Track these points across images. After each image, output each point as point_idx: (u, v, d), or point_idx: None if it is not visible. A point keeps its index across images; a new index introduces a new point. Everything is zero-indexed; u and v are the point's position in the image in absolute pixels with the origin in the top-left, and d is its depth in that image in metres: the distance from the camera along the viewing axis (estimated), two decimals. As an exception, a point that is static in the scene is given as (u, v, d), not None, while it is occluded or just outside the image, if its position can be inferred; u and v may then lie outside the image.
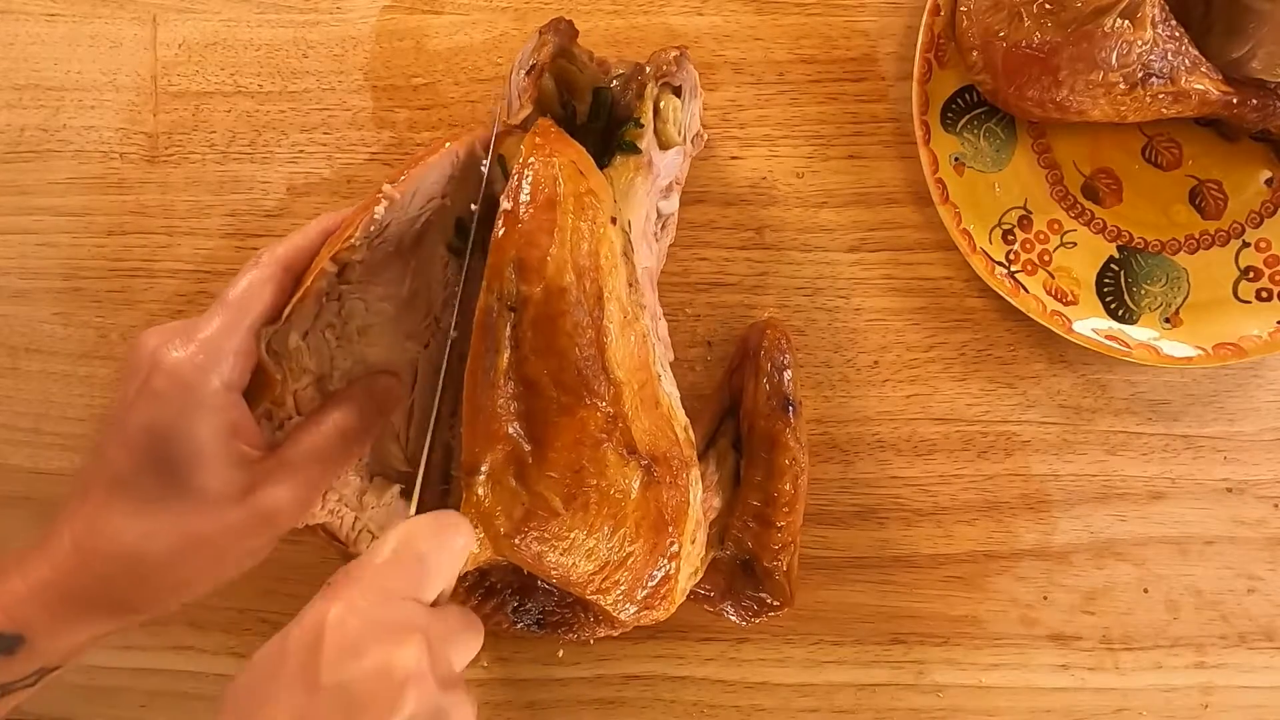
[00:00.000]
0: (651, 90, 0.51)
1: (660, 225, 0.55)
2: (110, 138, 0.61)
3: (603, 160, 0.50)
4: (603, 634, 0.53)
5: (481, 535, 0.45)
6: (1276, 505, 0.58)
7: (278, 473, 0.45)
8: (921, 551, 0.59)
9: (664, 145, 0.52)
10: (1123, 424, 0.59)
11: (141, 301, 0.61)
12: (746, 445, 0.54)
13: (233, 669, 0.61)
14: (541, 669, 0.60)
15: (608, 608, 0.48)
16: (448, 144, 0.49)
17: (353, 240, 0.46)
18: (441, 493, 0.51)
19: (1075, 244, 0.57)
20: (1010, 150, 0.57)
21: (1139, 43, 0.49)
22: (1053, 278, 0.56)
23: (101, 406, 0.61)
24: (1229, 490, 0.58)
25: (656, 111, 0.52)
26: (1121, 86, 0.50)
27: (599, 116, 0.52)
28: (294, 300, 0.46)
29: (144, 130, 0.61)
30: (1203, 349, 0.55)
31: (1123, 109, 0.52)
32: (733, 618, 0.54)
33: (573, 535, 0.45)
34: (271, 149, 0.61)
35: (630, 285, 0.47)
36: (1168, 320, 0.56)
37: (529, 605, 0.52)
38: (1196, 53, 0.51)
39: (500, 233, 0.44)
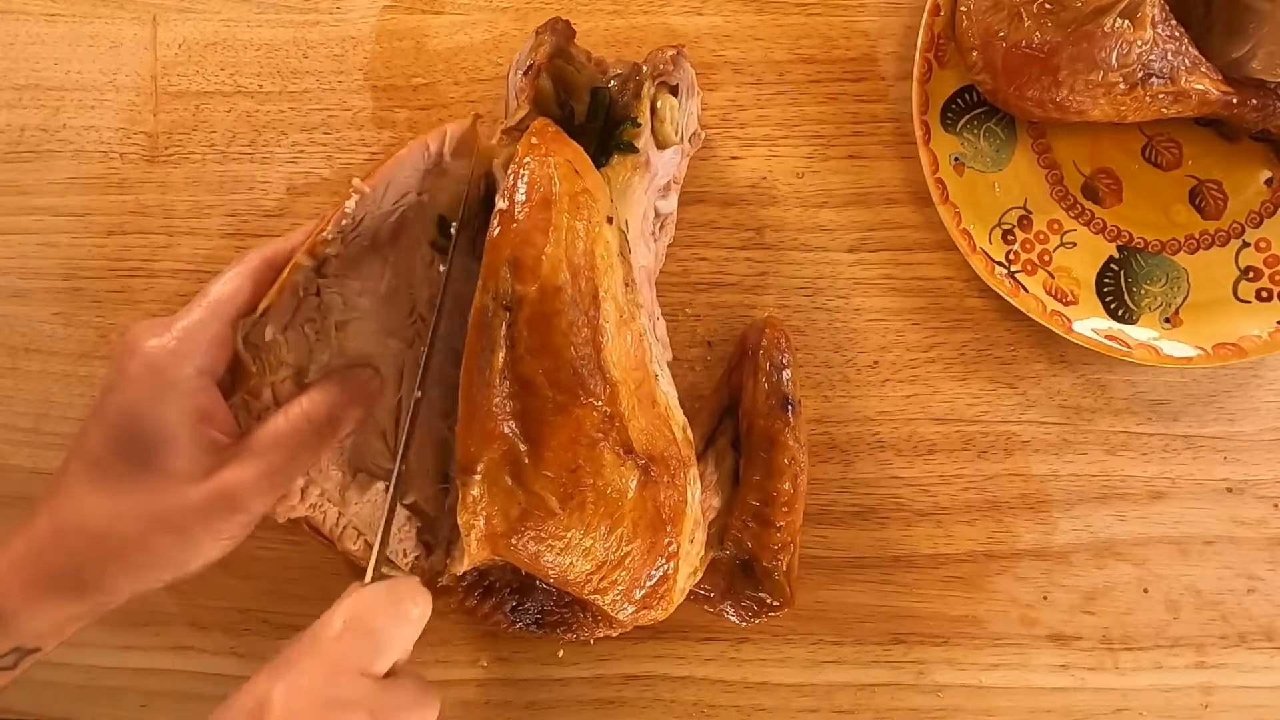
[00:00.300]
0: (648, 89, 0.51)
1: (659, 225, 0.55)
2: (110, 138, 0.61)
3: (600, 160, 0.50)
4: (602, 634, 0.53)
5: (477, 534, 0.45)
6: (1276, 505, 0.58)
7: (240, 455, 0.46)
8: (921, 551, 0.59)
9: (661, 144, 0.52)
10: (1123, 424, 0.59)
11: (141, 301, 0.61)
12: (745, 444, 0.54)
13: (233, 669, 0.61)
14: (541, 669, 0.60)
15: (606, 607, 0.48)
16: (419, 139, 0.50)
17: (325, 234, 0.47)
18: (440, 492, 0.51)
19: (1075, 244, 0.57)
20: (1010, 150, 0.57)
21: (1139, 43, 0.49)
22: (1053, 278, 0.56)
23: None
24: (1229, 490, 0.58)
25: (653, 111, 0.52)
26: (1121, 86, 0.50)
27: (597, 116, 0.52)
28: (270, 292, 0.47)
29: (144, 130, 0.61)
30: (1203, 349, 0.55)
31: (1123, 109, 0.52)
32: (732, 618, 0.54)
33: (569, 535, 0.45)
34: (271, 149, 0.61)
35: (626, 285, 0.47)
36: (1168, 320, 0.56)
37: (528, 605, 0.52)
38: (1196, 53, 0.51)
39: (496, 232, 0.44)
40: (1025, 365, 0.59)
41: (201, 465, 0.45)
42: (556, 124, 0.49)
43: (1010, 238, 0.57)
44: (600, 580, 0.47)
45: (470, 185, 0.50)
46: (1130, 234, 0.57)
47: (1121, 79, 0.50)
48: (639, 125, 0.51)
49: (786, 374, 0.53)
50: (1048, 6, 0.50)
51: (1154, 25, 0.49)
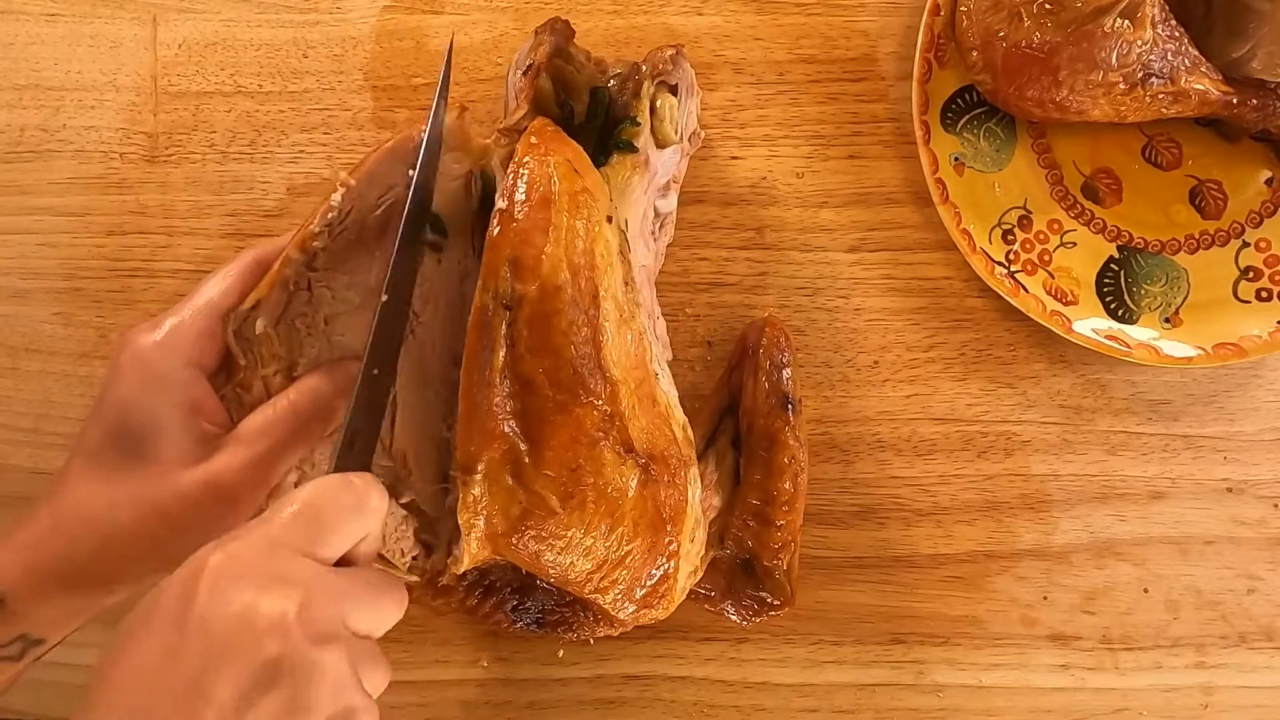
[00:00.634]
0: (648, 89, 0.51)
1: (659, 224, 0.55)
2: (110, 138, 0.61)
3: (599, 159, 0.50)
4: (602, 633, 0.53)
5: (477, 533, 0.45)
6: (1276, 505, 0.58)
7: (229, 445, 0.47)
8: (921, 551, 0.59)
9: (661, 144, 0.52)
10: (1123, 424, 0.59)
11: (141, 301, 0.61)
12: (746, 443, 0.54)
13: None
14: (541, 669, 0.60)
15: (606, 606, 0.48)
16: (404, 132, 0.50)
17: (313, 228, 0.47)
18: (439, 492, 0.51)
19: (1075, 244, 0.57)
20: (1010, 150, 0.57)
21: (1139, 43, 0.49)
22: (1053, 278, 0.56)
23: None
24: (1229, 490, 0.58)
25: (653, 110, 0.52)
26: (1121, 86, 0.50)
27: (596, 116, 0.52)
28: (260, 285, 0.48)
29: (144, 130, 0.61)
30: (1203, 349, 0.55)
31: (1123, 109, 0.52)
32: (733, 617, 0.54)
33: (570, 534, 0.45)
34: (271, 149, 0.61)
35: (626, 284, 0.47)
36: (1168, 320, 0.56)
37: (528, 604, 0.52)
38: (1196, 53, 0.51)
39: (495, 231, 0.44)
40: (1025, 365, 0.59)
41: (192, 455, 0.46)
42: (556, 124, 0.49)
43: (1010, 238, 0.57)
44: (601, 579, 0.47)
45: (467, 178, 0.50)
46: (1130, 234, 0.57)
47: (1121, 79, 0.50)
48: (638, 124, 0.51)
49: (786, 373, 0.53)
50: (1048, 6, 0.50)
51: (1154, 25, 0.49)
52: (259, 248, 0.50)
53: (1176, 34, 0.50)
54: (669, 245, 0.58)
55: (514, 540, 0.45)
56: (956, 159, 0.57)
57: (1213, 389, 0.58)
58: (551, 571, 0.46)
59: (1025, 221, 0.57)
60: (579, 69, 0.53)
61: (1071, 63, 0.50)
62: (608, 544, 0.45)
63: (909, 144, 0.58)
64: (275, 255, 0.49)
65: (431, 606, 0.57)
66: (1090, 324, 0.56)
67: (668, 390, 0.49)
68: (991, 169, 0.57)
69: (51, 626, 0.47)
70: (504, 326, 0.43)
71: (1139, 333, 0.56)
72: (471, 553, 0.45)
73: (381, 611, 0.40)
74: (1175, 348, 0.55)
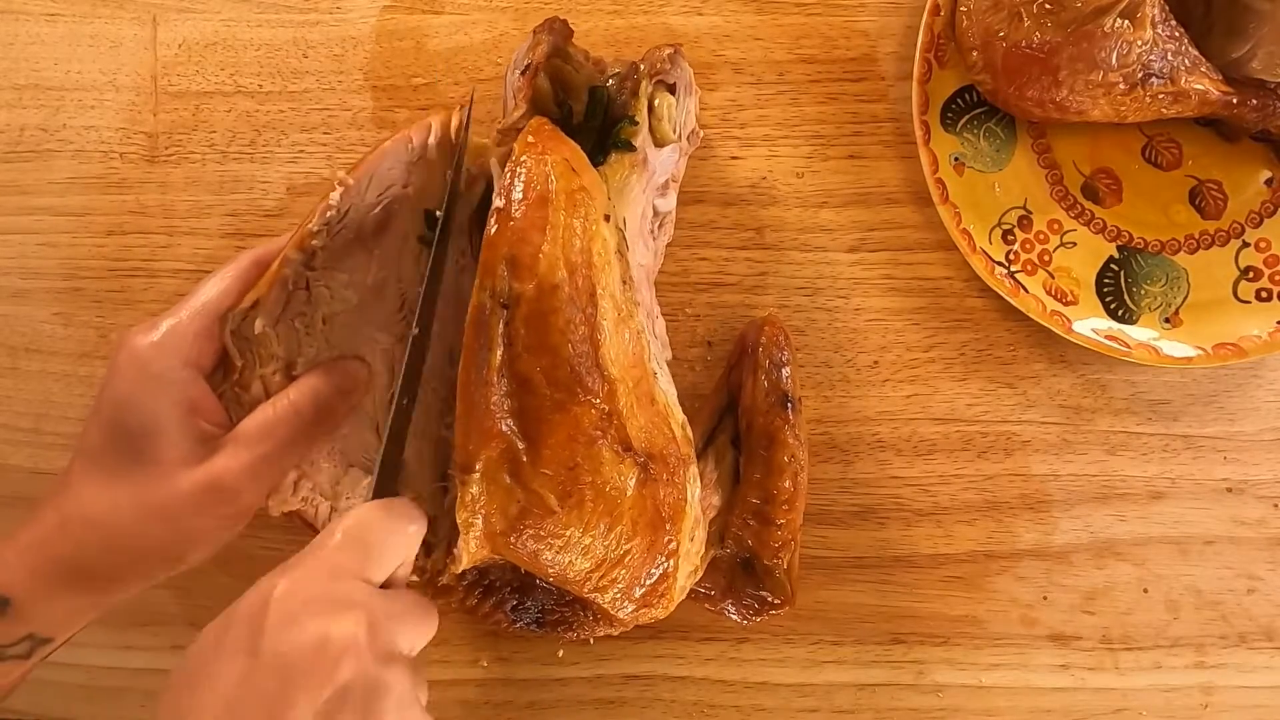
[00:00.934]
0: (646, 88, 0.51)
1: (657, 223, 0.55)
2: (110, 138, 0.61)
3: (598, 158, 0.50)
4: (602, 633, 0.53)
5: (476, 532, 0.45)
6: (1276, 505, 0.58)
7: (229, 445, 0.47)
8: (921, 551, 0.59)
9: (659, 143, 0.52)
10: (1123, 424, 0.59)
11: (141, 301, 0.61)
12: (745, 442, 0.54)
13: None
14: (541, 669, 0.60)
15: (606, 606, 0.48)
16: (402, 132, 0.50)
17: (312, 226, 0.47)
18: (439, 490, 0.51)
19: (1075, 244, 0.57)
20: (1010, 150, 0.57)
21: (1139, 43, 0.49)
22: (1053, 278, 0.56)
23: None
24: (1229, 490, 0.58)
25: (651, 109, 0.52)
26: (1121, 86, 0.50)
27: (595, 115, 0.52)
28: (259, 284, 0.48)
29: (144, 130, 0.61)
30: (1203, 349, 0.55)
31: (1123, 109, 0.52)
32: (733, 616, 0.54)
33: (568, 533, 0.45)
34: (271, 149, 0.61)
35: (624, 282, 0.47)
36: (1168, 320, 0.56)
37: (528, 604, 0.52)
38: (1196, 53, 0.51)
39: (493, 230, 0.44)
40: (1025, 365, 0.59)
41: (192, 455, 0.46)
42: (554, 123, 0.49)
43: (1010, 238, 0.57)
44: (600, 578, 0.47)
45: (454, 176, 0.50)
46: (1130, 234, 0.57)
47: (1121, 79, 0.50)
48: (636, 123, 0.51)
49: (786, 371, 0.53)
50: (1048, 6, 0.50)
51: (1154, 25, 0.49)
52: (257, 248, 0.51)
53: (1176, 34, 0.50)
54: (669, 245, 0.58)
55: (512, 539, 0.45)
56: (956, 159, 0.57)
57: (1213, 389, 0.58)
58: (550, 570, 0.46)
59: (1025, 221, 0.57)
60: (577, 69, 0.53)
61: (1071, 63, 0.50)
62: (606, 543, 0.45)
63: (909, 144, 0.58)
64: (274, 255, 0.49)
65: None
66: (1090, 324, 0.56)
67: (666, 389, 0.49)
68: (991, 169, 0.57)
69: (58, 625, 0.47)
70: (501, 325, 0.43)
71: (1139, 333, 0.56)
72: (470, 552, 0.45)
73: (423, 631, 0.42)
74: (1175, 348, 0.55)
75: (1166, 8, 0.50)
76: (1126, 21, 0.49)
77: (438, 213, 0.50)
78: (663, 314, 0.56)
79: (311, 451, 0.50)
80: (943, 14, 0.56)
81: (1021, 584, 0.59)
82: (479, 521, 0.45)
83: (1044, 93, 0.51)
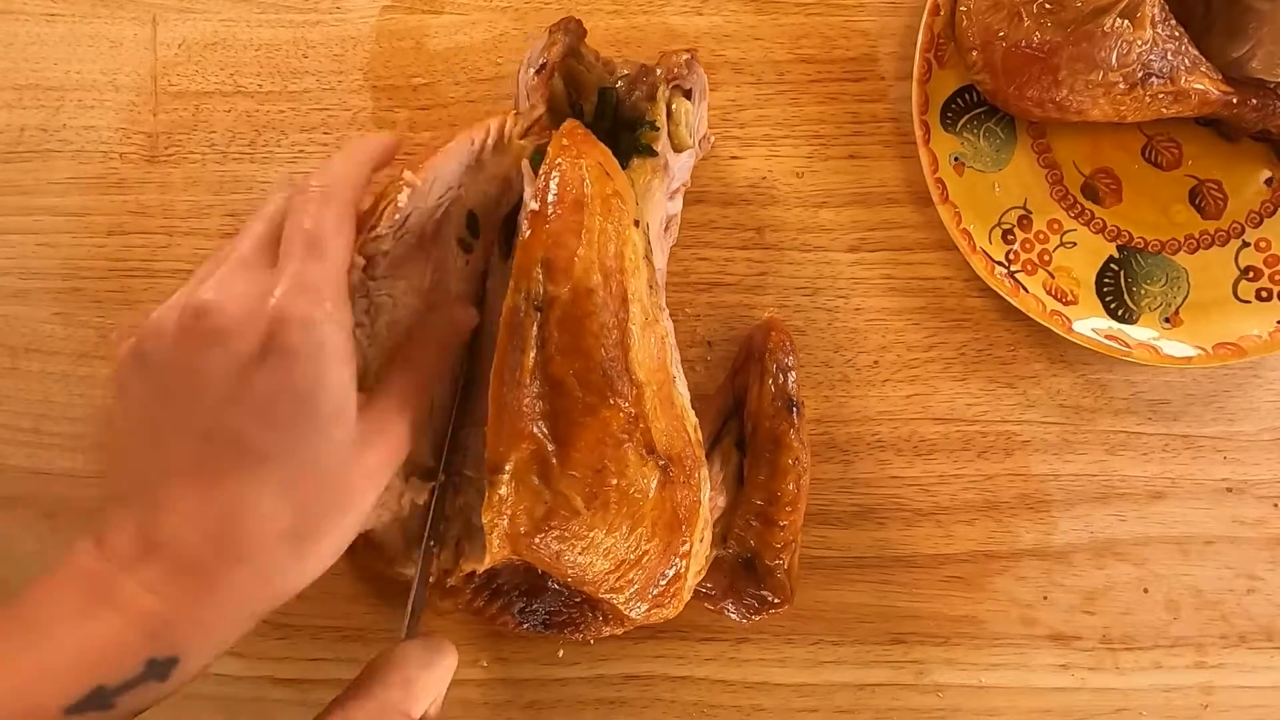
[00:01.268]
0: (664, 93, 0.51)
1: (664, 227, 0.55)
2: (110, 138, 0.61)
3: (619, 163, 0.50)
4: (608, 633, 0.53)
5: (500, 533, 0.45)
6: (1276, 505, 0.58)
7: (393, 411, 0.44)
8: (921, 551, 0.59)
9: (677, 148, 0.52)
10: (1123, 424, 0.59)
11: (141, 301, 0.61)
12: (751, 445, 0.54)
13: (233, 669, 0.61)
14: (541, 669, 0.60)
15: (619, 606, 0.49)
16: (464, 132, 0.49)
17: (378, 231, 0.46)
18: (447, 490, 0.51)
19: (1075, 244, 0.57)
20: (1010, 150, 0.57)
21: (1139, 42, 0.49)
22: (1053, 277, 0.56)
23: (102, 406, 0.61)
24: (1229, 490, 0.58)
25: (669, 114, 0.52)
26: (1121, 86, 0.50)
27: (605, 116, 0.52)
28: None
29: (144, 130, 0.61)
30: (1203, 349, 0.55)
31: (1123, 109, 0.52)
32: (733, 615, 0.54)
33: (592, 534, 0.45)
34: (271, 149, 0.61)
35: (651, 287, 0.47)
36: (1168, 320, 0.56)
37: (536, 606, 0.52)
38: (1196, 53, 0.51)
39: (528, 233, 0.44)
40: (1025, 365, 0.59)
41: (363, 429, 0.42)
42: None
43: (1010, 237, 0.57)
44: (617, 579, 0.47)
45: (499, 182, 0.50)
46: (1130, 234, 0.57)
47: (1121, 79, 0.50)
48: (657, 129, 0.51)
49: (791, 376, 0.54)
50: (1048, 6, 0.50)
51: (1154, 25, 0.49)
52: (338, 189, 0.43)
53: (1176, 34, 0.50)
54: (670, 246, 0.58)
55: (536, 540, 0.45)
56: (956, 159, 0.57)
57: (1213, 389, 0.58)
58: (570, 571, 0.46)
59: (1025, 221, 0.57)
60: (589, 69, 0.53)
61: (1071, 63, 0.50)
62: (627, 544, 0.46)
63: (909, 144, 0.58)
64: (355, 192, 0.44)
65: (437, 608, 0.57)
66: (1090, 324, 0.56)
67: (682, 392, 0.49)
68: (991, 169, 0.57)
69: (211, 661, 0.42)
70: (535, 328, 0.43)
71: (1139, 333, 0.56)
72: (492, 552, 0.45)
73: None
74: (1175, 348, 0.55)
75: (1166, 8, 0.50)
76: (1126, 21, 0.49)
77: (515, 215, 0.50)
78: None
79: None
80: (943, 14, 0.56)
81: (1021, 584, 0.59)
82: (504, 522, 0.45)
83: (1044, 93, 0.51)
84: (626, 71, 0.53)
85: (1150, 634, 0.58)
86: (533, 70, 0.51)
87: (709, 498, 0.50)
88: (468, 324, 0.50)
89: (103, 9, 0.62)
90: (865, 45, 0.59)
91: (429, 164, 0.48)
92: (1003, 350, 0.59)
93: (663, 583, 0.48)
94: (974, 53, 0.53)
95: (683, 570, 0.48)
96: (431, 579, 0.51)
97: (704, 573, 0.52)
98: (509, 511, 0.44)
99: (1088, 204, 0.57)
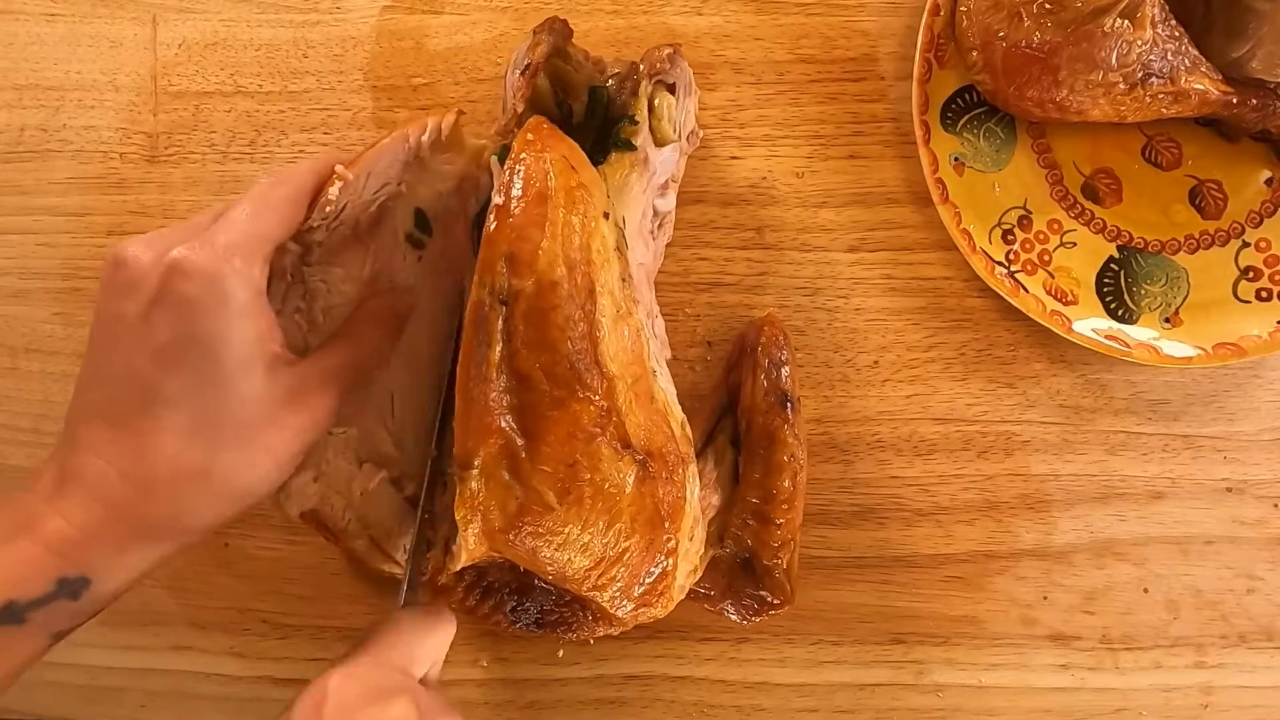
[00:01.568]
0: (645, 87, 0.51)
1: (657, 224, 0.55)
2: (110, 138, 0.61)
3: (598, 158, 0.50)
4: (602, 633, 0.53)
5: (475, 529, 0.45)
6: (1276, 505, 0.58)
7: (317, 379, 0.46)
8: (921, 551, 0.59)
9: (659, 142, 0.52)
10: (1123, 424, 0.59)
11: (141, 301, 0.61)
12: (745, 442, 0.54)
13: (233, 669, 0.61)
14: (541, 669, 0.60)
15: (605, 604, 0.48)
16: (400, 129, 0.50)
17: (311, 221, 0.47)
18: (438, 487, 0.51)
19: (1075, 244, 0.57)
20: (1010, 150, 0.57)
21: (1139, 43, 0.49)
22: (1053, 278, 0.56)
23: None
24: (1229, 490, 0.58)
25: (651, 109, 0.52)
26: (1121, 86, 0.50)
27: (595, 115, 0.52)
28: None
29: (144, 130, 0.61)
30: (1203, 349, 0.55)
31: (1123, 109, 0.52)
32: (733, 616, 0.54)
33: (567, 530, 0.45)
34: (271, 149, 0.61)
35: (623, 280, 0.46)
36: (1168, 320, 0.56)
37: (527, 605, 0.52)
38: (1196, 53, 0.51)
39: (492, 227, 0.44)
40: (1025, 365, 0.59)
41: (278, 384, 0.44)
42: (554, 123, 0.49)
43: (1010, 238, 0.57)
44: (599, 577, 0.47)
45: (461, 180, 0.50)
46: (1130, 234, 0.57)
47: (1121, 79, 0.50)
48: (636, 123, 0.51)
49: (785, 370, 0.53)
50: (1048, 6, 0.50)
51: (1154, 25, 0.49)
52: (318, 158, 0.47)
53: (1176, 34, 0.50)
54: (669, 245, 0.58)
55: (511, 536, 0.45)
56: (956, 159, 0.57)
57: (1212, 389, 0.58)
58: (549, 568, 0.46)
59: (1025, 221, 0.57)
60: (577, 68, 0.53)
61: (1071, 63, 0.50)
62: (605, 540, 0.45)
63: (909, 144, 0.58)
64: (311, 187, 0.46)
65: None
66: (1090, 324, 0.56)
67: (665, 387, 0.49)
68: (991, 169, 0.57)
69: (125, 587, 0.44)
70: (500, 322, 0.43)
71: (1139, 333, 0.56)
72: (469, 549, 0.45)
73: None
74: (1175, 348, 0.55)
75: (1166, 8, 0.50)
76: (1126, 21, 0.49)
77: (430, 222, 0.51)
78: (662, 314, 0.56)
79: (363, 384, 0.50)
80: (943, 14, 0.56)
81: (1021, 584, 0.59)
82: (478, 518, 0.45)
83: (1044, 93, 0.51)
84: (617, 70, 0.53)
85: (1150, 634, 0.58)
86: (517, 71, 0.51)
87: (701, 495, 0.50)
88: (405, 309, 0.51)
89: (103, 9, 0.62)
90: (865, 45, 0.59)
91: (363, 159, 0.48)
92: (1003, 350, 0.59)
93: (648, 581, 0.48)
94: (974, 53, 0.53)
95: (669, 568, 0.48)
96: (424, 577, 0.51)
97: (699, 572, 0.51)
98: (481, 507, 0.44)
99: (1088, 204, 0.57)
